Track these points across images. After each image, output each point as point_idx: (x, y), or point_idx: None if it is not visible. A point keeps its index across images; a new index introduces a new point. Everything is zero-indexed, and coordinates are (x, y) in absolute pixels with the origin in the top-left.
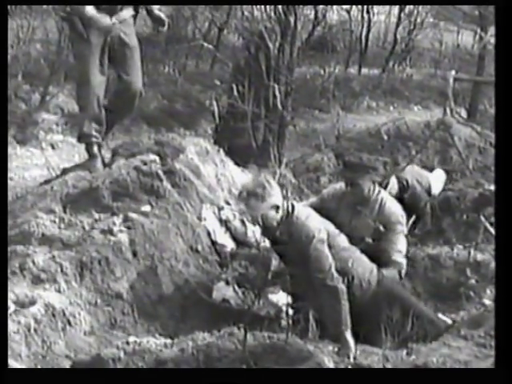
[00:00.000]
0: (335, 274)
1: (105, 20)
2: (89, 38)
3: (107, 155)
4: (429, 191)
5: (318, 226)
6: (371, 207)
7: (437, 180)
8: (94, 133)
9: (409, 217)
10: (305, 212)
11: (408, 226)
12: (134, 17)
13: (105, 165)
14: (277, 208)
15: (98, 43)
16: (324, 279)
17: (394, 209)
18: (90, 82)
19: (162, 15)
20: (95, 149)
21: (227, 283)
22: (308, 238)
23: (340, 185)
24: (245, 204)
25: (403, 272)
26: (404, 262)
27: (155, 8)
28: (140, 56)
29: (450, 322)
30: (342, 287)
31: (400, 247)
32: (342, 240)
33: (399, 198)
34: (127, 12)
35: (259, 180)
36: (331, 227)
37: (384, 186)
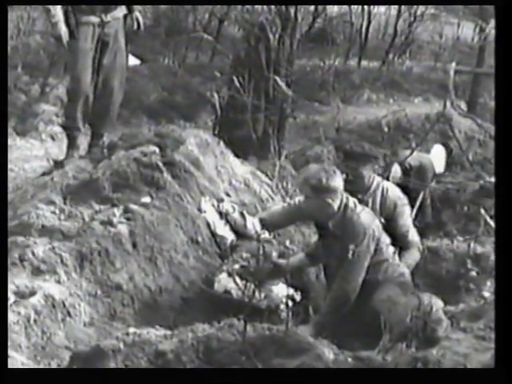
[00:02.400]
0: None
1: (96, 18)
2: (78, 33)
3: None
4: (432, 168)
5: (371, 231)
6: (372, 195)
7: (438, 158)
8: (81, 126)
9: (417, 196)
10: (365, 213)
11: (416, 205)
12: (125, 17)
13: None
14: (328, 205)
15: (88, 38)
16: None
17: (397, 193)
18: (81, 78)
19: (141, 19)
20: (78, 141)
21: (229, 275)
22: (359, 237)
23: None
24: (299, 188)
25: (421, 248)
26: (419, 239)
27: (137, 10)
28: (126, 56)
29: None
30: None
31: (412, 227)
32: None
33: (404, 182)
34: (120, 11)
35: (318, 173)
36: (380, 226)
37: (386, 175)
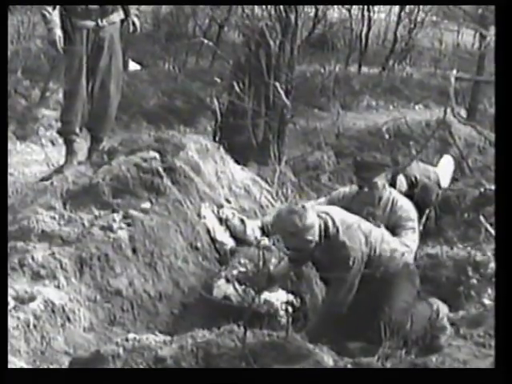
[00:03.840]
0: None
1: (91, 22)
2: (74, 37)
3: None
4: (438, 184)
5: (360, 255)
6: (383, 207)
7: (445, 172)
8: (78, 131)
9: (421, 212)
10: (350, 238)
11: (422, 221)
12: (122, 21)
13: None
14: (310, 242)
15: (83, 42)
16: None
17: (406, 206)
18: (77, 82)
19: (137, 22)
20: (76, 146)
21: (228, 281)
22: (347, 264)
23: (350, 188)
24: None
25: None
26: (411, 257)
27: (133, 13)
28: (123, 60)
29: None
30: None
31: (408, 243)
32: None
33: (409, 194)
34: (117, 15)
35: (290, 218)
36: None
37: (389, 184)
